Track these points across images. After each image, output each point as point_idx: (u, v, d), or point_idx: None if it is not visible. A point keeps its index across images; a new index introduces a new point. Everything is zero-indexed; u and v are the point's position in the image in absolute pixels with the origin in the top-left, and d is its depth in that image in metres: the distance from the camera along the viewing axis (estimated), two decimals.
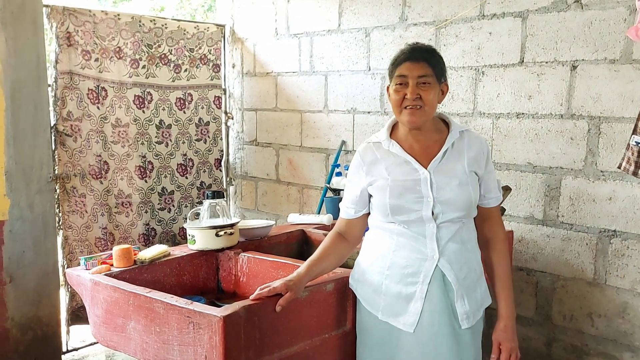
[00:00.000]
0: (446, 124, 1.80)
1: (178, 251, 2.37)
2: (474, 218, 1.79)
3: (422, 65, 1.66)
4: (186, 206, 3.79)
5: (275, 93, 3.81)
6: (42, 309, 3.11)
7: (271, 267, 2.20)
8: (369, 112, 3.30)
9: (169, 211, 3.71)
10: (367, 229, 1.89)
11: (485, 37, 2.79)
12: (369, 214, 1.85)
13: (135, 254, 2.20)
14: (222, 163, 4.02)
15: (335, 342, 1.86)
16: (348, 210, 1.87)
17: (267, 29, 3.79)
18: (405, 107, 1.69)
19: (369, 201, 1.82)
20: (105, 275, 2.05)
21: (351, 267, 1.93)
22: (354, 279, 1.87)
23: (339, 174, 3.17)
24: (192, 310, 1.63)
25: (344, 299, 1.87)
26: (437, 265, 1.69)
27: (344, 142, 3.41)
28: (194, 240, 2.35)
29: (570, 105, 2.57)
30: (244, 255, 2.30)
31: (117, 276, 2.05)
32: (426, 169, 1.71)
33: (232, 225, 2.38)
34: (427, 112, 1.68)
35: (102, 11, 3.35)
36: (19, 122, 2.97)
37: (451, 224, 1.70)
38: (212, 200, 2.45)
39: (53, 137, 3.16)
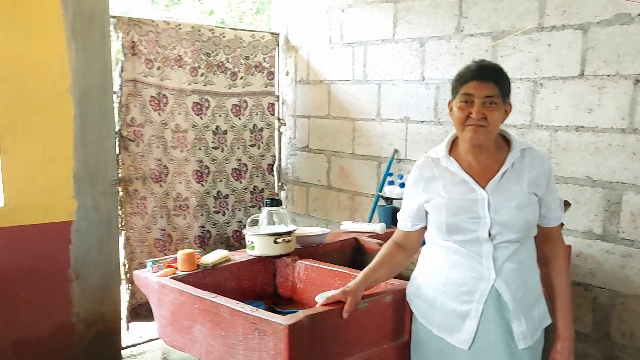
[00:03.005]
0: (507, 141, 1.80)
1: (237, 256, 2.46)
2: (534, 237, 1.79)
3: (489, 86, 1.67)
4: (240, 210, 3.90)
5: (327, 101, 3.87)
6: (105, 305, 3.27)
7: (328, 275, 2.25)
8: (422, 122, 3.31)
9: (224, 214, 3.83)
10: (424, 243, 1.92)
11: (544, 49, 2.77)
12: (426, 227, 1.88)
13: (198, 259, 2.30)
14: (275, 168, 4.12)
15: (393, 353, 1.90)
16: (405, 222, 1.90)
17: (321, 38, 3.85)
18: (469, 125, 1.70)
19: (426, 216, 1.85)
20: (171, 278, 2.15)
21: (407, 278, 1.97)
22: (410, 292, 1.90)
23: (391, 183, 3.20)
24: (257, 317, 1.71)
25: (402, 310, 1.90)
26: (493, 285, 1.69)
27: (396, 151, 3.44)
28: (253, 246, 2.43)
29: (632, 120, 2.52)
30: (301, 263, 2.37)
31: (182, 280, 2.15)
32: (484, 189, 1.71)
33: (289, 233, 2.45)
34: (491, 131, 1.69)
35: (165, 21, 3.49)
36: (86, 128, 3.13)
37: (509, 244, 1.70)
38: (270, 208, 2.53)
39: (117, 142, 3.31)
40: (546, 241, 1.81)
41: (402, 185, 3.07)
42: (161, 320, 2.14)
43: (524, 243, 1.73)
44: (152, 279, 2.17)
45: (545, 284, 1.82)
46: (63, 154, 3.06)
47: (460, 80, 1.72)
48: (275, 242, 2.40)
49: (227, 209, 3.85)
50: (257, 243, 2.42)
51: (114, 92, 3.28)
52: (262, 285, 2.44)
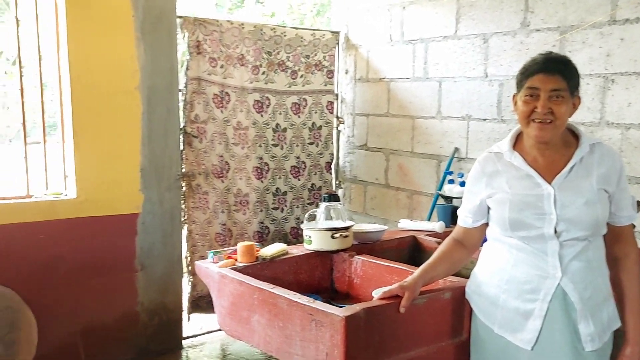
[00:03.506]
0: (575, 135, 1.73)
1: (295, 250, 2.48)
2: (603, 235, 1.72)
3: (556, 79, 1.60)
4: (297, 207, 3.94)
5: (387, 98, 3.85)
6: (168, 296, 3.38)
7: (385, 271, 2.24)
8: (484, 119, 3.24)
9: (282, 211, 3.88)
10: (485, 240, 1.88)
11: (616, 44, 2.65)
12: (487, 224, 1.83)
13: (257, 251, 2.34)
14: (332, 166, 4.13)
15: (451, 351, 1.87)
16: (466, 219, 1.86)
17: (381, 36, 3.84)
18: (534, 120, 1.64)
19: (488, 212, 1.80)
20: (231, 269, 2.20)
21: (465, 277, 1.93)
22: (470, 289, 1.86)
23: (451, 182, 3.14)
24: (314, 309, 1.72)
25: (461, 308, 1.86)
26: (559, 283, 1.62)
27: (457, 149, 3.38)
28: (310, 240, 2.45)
29: None
30: (358, 258, 2.37)
31: (241, 271, 2.19)
32: (550, 184, 1.65)
33: (347, 228, 2.46)
34: (558, 126, 1.63)
35: (228, 21, 3.57)
36: (153, 124, 3.25)
37: (576, 242, 1.63)
38: (328, 203, 2.54)
39: (182, 138, 3.42)
40: (616, 241, 1.73)
41: (463, 184, 3.01)
42: (221, 310, 2.19)
43: (592, 241, 1.66)
44: (212, 270, 2.23)
45: (614, 286, 1.73)
46: (131, 149, 3.20)
47: (526, 73, 1.67)
48: (332, 237, 2.41)
49: (286, 206, 3.90)
50: (315, 237, 2.43)
51: (179, 90, 3.39)
52: (319, 279, 2.46)
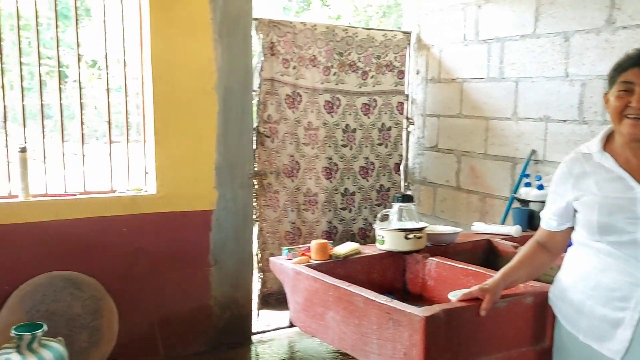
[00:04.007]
0: None
1: (368, 250, 2.49)
2: None
3: None
4: (365, 207, 3.94)
5: (459, 99, 3.78)
6: (239, 291, 3.47)
7: (461, 274, 2.20)
8: (564, 121, 3.12)
9: (350, 211, 3.89)
10: (570, 244, 1.81)
11: None
12: (573, 227, 1.76)
13: (330, 249, 2.37)
14: (401, 167, 4.11)
15: (532, 358, 1.82)
16: (550, 221, 1.80)
17: (454, 35, 3.77)
18: (627, 116, 1.57)
19: (574, 215, 1.74)
20: (306, 266, 2.23)
21: (547, 283, 1.86)
22: (554, 294, 1.79)
23: (528, 185, 3.04)
24: (392, 308, 1.71)
25: (544, 314, 1.81)
26: None
27: (534, 151, 3.27)
28: (383, 240, 2.45)
29: None
30: (433, 260, 2.34)
31: (315, 268, 2.22)
32: None
33: (421, 229, 2.43)
34: None
35: (301, 22, 3.63)
36: (228, 124, 3.35)
37: None
38: (401, 204, 2.53)
39: (254, 138, 3.50)
40: None
41: (541, 187, 2.91)
42: (295, 306, 2.23)
43: None
44: (287, 266, 2.27)
45: None
46: (207, 147, 3.31)
47: (619, 69, 1.60)
48: (406, 237, 2.39)
49: (354, 206, 3.90)
50: (388, 238, 2.43)
51: (253, 91, 3.47)
52: (391, 280, 2.45)
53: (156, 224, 3.20)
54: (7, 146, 3.02)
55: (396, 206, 2.54)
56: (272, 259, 2.42)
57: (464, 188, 3.78)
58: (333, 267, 2.29)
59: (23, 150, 2.95)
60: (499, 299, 1.71)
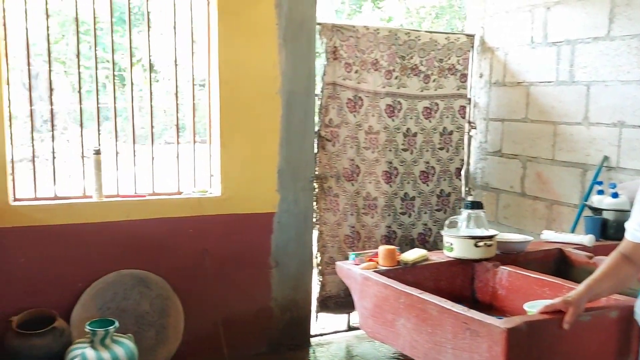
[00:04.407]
0: None
1: (435, 257, 2.46)
2: None
3: None
4: (425, 212, 3.89)
5: (525, 103, 3.68)
6: (299, 293, 3.49)
7: (536, 284, 2.14)
8: None
9: (409, 216, 3.85)
10: None
11: None
12: None
13: (398, 255, 2.35)
14: (463, 173, 4.04)
15: None
16: (636, 232, 1.72)
17: (521, 38, 3.68)
18: None
19: None
20: (374, 271, 2.22)
21: (632, 297, 1.79)
22: None
23: (600, 192, 2.93)
24: (470, 317, 1.68)
25: (629, 329, 1.73)
26: None
27: (606, 158, 3.15)
28: (452, 247, 2.41)
29: None
30: (504, 269, 2.29)
31: (383, 274, 2.21)
32: None
33: (491, 237, 2.38)
34: None
35: (364, 26, 3.62)
36: (291, 127, 3.38)
37: None
38: (471, 211, 2.48)
39: (316, 142, 3.52)
40: None
41: (615, 195, 2.80)
42: (363, 312, 2.22)
43: None
44: (355, 271, 2.27)
45: None
46: (270, 151, 3.35)
47: None
48: (475, 245, 2.35)
49: (413, 211, 3.86)
50: (457, 245, 2.39)
51: (316, 95, 3.49)
52: (460, 288, 2.41)
53: (220, 226, 3.26)
54: (82, 148, 3.15)
55: (465, 213, 2.50)
56: (338, 263, 2.42)
57: (530, 194, 3.68)
58: (401, 273, 2.27)
59: (97, 152, 3.07)
60: (582, 312, 1.66)
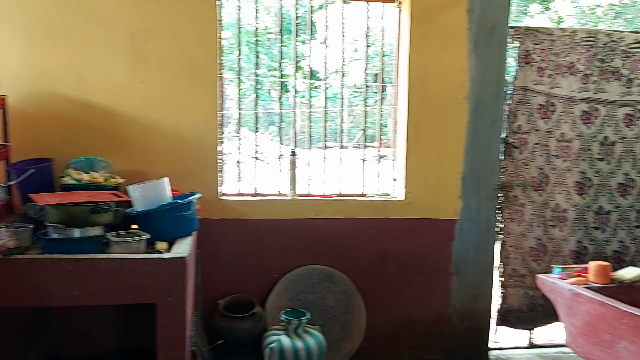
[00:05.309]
0: None
1: None
2: None
3: None
4: (622, 229, 3.57)
5: None
6: (478, 303, 3.41)
7: None
8: None
9: (603, 231, 3.56)
10: None
11: None
12: None
13: (611, 273, 2.19)
14: None
15: None
16: None
17: None
18: None
19: None
20: (585, 288, 2.09)
21: None
22: None
23: None
24: None
25: None
26: None
27: None
28: None
29: None
30: None
31: (597, 291, 2.07)
32: None
33: None
34: None
35: (559, 29, 3.43)
36: (477, 134, 3.32)
37: None
38: None
39: (502, 149, 3.41)
40: None
41: None
42: (571, 329, 2.11)
43: None
44: (562, 286, 2.16)
45: None
46: (454, 156, 3.32)
47: None
48: None
49: (608, 226, 3.56)
50: None
51: (504, 100, 3.39)
52: None
53: (402, 229, 3.31)
54: (280, 150, 3.40)
55: None
56: (541, 276, 2.33)
57: None
58: (616, 292, 2.12)
59: (293, 154, 3.30)
60: None
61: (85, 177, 2.66)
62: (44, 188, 2.53)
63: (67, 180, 2.63)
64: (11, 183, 2.62)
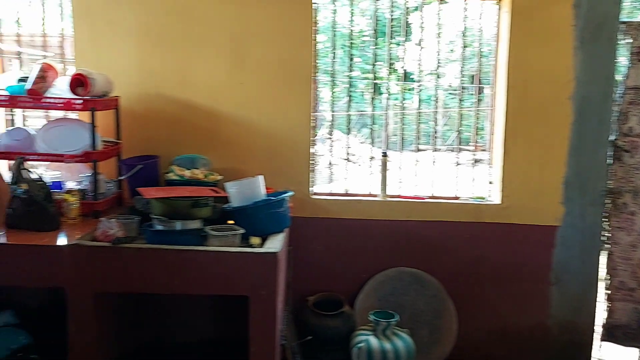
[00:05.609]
0: None
1: None
2: None
3: None
4: None
5: None
6: (580, 316, 3.20)
7: None
8: None
9: None
10: None
11: None
12: None
13: None
14: None
15: None
16: None
17: None
18: None
19: None
20: None
21: None
22: None
23: None
24: None
25: None
26: None
27: None
28: None
29: None
30: None
31: None
32: None
33: None
34: None
35: None
36: (582, 136, 3.12)
37: None
38: None
39: (610, 152, 3.18)
40: None
41: None
42: None
43: None
44: None
45: None
46: (556, 159, 3.14)
47: None
48: None
49: None
50: None
51: (613, 100, 3.16)
52: None
53: (498, 234, 3.19)
54: (371, 152, 3.41)
55: None
56: None
57: None
58: None
59: (385, 155, 3.28)
60: None
61: (187, 173, 2.81)
62: (150, 183, 2.72)
63: (171, 176, 2.80)
64: (122, 178, 2.83)
